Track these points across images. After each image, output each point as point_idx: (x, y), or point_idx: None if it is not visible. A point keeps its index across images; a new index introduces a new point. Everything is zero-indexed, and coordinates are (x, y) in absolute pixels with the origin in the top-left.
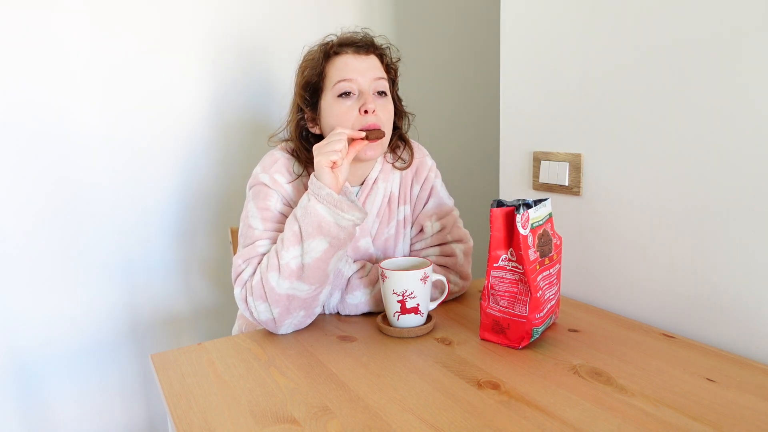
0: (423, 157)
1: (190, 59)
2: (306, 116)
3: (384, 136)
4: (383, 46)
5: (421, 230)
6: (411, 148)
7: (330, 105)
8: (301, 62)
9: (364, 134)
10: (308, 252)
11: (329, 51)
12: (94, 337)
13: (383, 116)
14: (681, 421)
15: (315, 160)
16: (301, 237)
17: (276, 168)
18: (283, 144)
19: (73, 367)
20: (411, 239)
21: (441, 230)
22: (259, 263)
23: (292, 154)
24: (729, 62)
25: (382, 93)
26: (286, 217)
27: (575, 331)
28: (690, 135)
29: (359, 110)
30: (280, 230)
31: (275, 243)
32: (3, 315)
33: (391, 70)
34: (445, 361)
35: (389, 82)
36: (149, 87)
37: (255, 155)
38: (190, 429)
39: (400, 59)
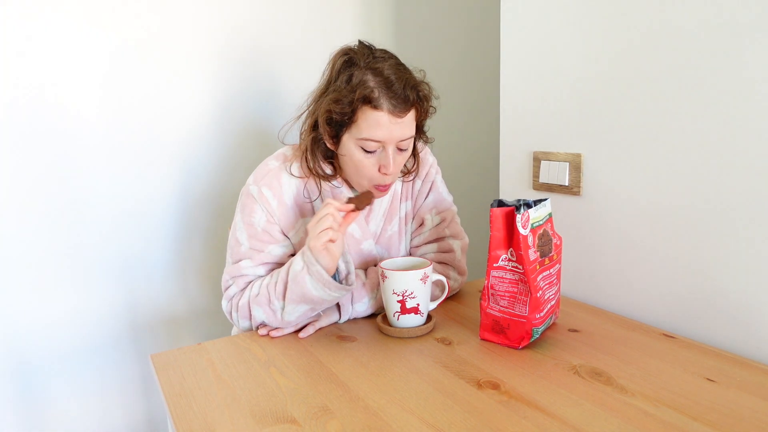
0: (425, 155)
1: (191, 62)
2: (325, 135)
3: (372, 202)
4: (422, 94)
5: (422, 224)
6: (418, 162)
7: (352, 150)
8: (329, 77)
9: (353, 206)
10: (291, 312)
11: (367, 97)
12: (94, 337)
13: (396, 170)
14: (681, 421)
15: (309, 245)
16: (285, 296)
17: (266, 181)
18: (286, 148)
19: (73, 367)
20: (411, 234)
21: (440, 223)
22: (246, 283)
23: (304, 154)
24: (729, 62)
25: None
26: (269, 233)
27: (575, 331)
28: (690, 135)
29: (379, 168)
30: (263, 249)
31: (259, 263)
32: (3, 315)
33: (423, 116)
34: (445, 361)
35: (418, 129)
36: (149, 90)
37: (254, 158)
38: (190, 429)
39: (438, 98)
